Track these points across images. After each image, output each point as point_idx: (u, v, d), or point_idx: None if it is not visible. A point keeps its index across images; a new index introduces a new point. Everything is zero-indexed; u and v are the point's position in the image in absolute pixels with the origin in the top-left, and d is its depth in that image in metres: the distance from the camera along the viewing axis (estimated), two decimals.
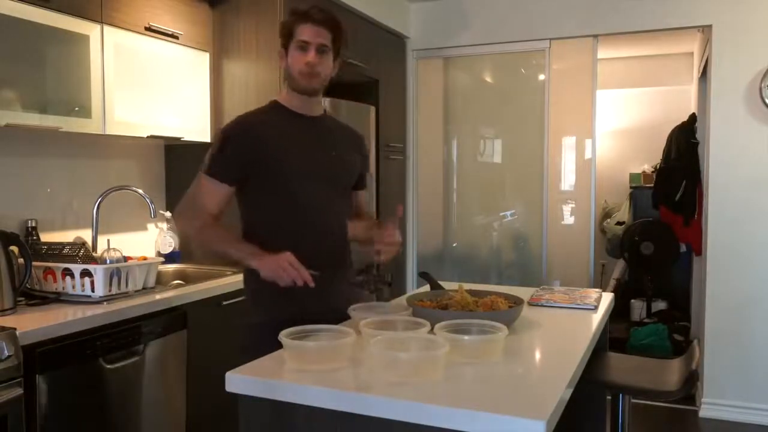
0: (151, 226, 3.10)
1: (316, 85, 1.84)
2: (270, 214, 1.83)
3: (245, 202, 1.86)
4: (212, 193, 1.80)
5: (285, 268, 1.64)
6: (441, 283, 2.12)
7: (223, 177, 1.79)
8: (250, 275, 1.84)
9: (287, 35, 1.82)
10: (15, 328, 1.76)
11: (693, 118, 4.58)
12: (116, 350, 2.09)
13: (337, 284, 1.90)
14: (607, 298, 2.24)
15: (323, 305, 1.78)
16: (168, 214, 3.12)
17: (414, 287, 4.17)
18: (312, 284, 1.65)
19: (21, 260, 2.10)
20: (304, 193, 1.83)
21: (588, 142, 4.01)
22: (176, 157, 3.18)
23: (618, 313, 4.44)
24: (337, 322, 1.69)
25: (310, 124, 1.90)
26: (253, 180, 1.81)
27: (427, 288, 2.16)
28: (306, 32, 1.79)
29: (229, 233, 1.81)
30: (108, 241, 2.58)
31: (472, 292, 1.90)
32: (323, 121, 1.95)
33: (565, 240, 4.06)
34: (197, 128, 2.96)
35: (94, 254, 2.31)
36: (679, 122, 4.69)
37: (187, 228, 1.89)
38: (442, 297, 1.92)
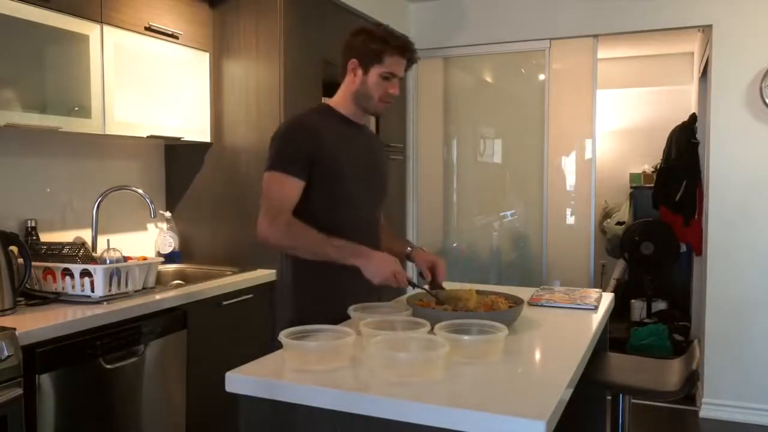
0: (151, 226, 3.10)
1: (384, 110, 1.94)
2: (321, 214, 1.84)
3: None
4: (286, 188, 1.79)
5: (394, 274, 1.71)
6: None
7: (293, 171, 1.78)
8: (302, 272, 1.90)
9: (373, 58, 1.84)
10: (15, 328, 1.76)
11: (693, 118, 4.58)
12: (116, 350, 2.09)
13: (373, 285, 1.94)
14: (607, 298, 2.23)
15: (362, 300, 1.83)
16: (168, 214, 3.12)
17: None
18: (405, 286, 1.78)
19: (21, 260, 2.10)
20: (354, 197, 1.89)
21: (588, 142, 4.01)
22: (176, 157, 3.18)
23: (618, 313, 4.43)
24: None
25: (359, 130, 1.97)
26: (310, 178, 1.82)
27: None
28: (397, 66, 1.86)
29: (317, 232, 1.75)
30: (108, 241, 2.57)
31: None
32: (366, 129, 2.03)
33: (565, 240, 4.05)
34: (197, 128, 2.96)
35: (93, 254, 2.30)
36: (679, 122, 4.69)
37: (273, 233, 1.76)
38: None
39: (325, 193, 1.84)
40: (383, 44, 1.83)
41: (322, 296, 1.89)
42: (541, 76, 4.05)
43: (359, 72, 1.87)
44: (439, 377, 1.33)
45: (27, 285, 2.13)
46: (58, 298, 2.17)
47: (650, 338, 4.65)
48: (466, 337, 1.48)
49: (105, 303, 2.14)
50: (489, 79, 4.48)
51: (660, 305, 5.21)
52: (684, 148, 4.50)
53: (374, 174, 1.99)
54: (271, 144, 1.84)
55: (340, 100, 1.94)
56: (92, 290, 2.16)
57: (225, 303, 2.58)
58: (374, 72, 1.85)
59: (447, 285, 2.02)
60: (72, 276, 2.17)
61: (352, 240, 1.82)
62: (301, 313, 1.87)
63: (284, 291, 1.99)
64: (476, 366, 1.43)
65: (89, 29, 2.35)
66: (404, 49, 1.85)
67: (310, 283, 1.90)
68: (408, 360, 1.35)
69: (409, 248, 2.07)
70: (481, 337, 1.50)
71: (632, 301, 5.28)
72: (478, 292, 1.92)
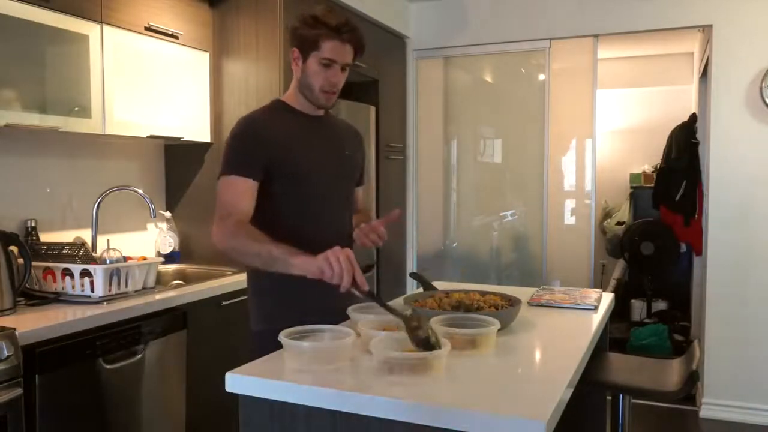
0: (150, 226, 3.10)
1: (333, 102, 1.84)
2: (281, 213, 1.79)
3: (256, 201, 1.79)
4: (239, 191, 1.72)
5: (337, 270, 1.47)
6: (440, 283, 2.12)
7: (247, 172, 1.72)
8: (254, 282, 1.85)
9: (310, 44, 1.75)
10: (15, 328, 1.76)
11: (693, 118, 4.58)
12: (116, 350, 2.09)
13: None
14: (607, 298, 2.23)
15: (326, 308, 1.72)
16: (168, 214, 3.12)
17: (414, 287, 4.17)
18: (366, 288, 1.50)
19: (20, 260, 2.10)
20: (316, 192, 1.82)
21: (588, 142, 4.01)
22: (176, 157, 3.18)
23: (618, 313, 4.44)
24: (337, 323, 1.67)
25: (316, 123, 1.89)
26: (266, 178, 1.76)
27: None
28: (333, 50, 1.74)
29: (262, 235, 1.63)
30: (108, 241, 2.57)
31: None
32: (327, 119, 1.95)
33: (565, 240, 4.05)
34: (197, 128, 2.96)
35: (93, 254, 2.30)
36: (679, 122, 4.69)
37: (218, 237, 1.67)
38: (442, 296, 1.92)
39: (286, 188, 1.78)
40: (319, 29, 1.73)
41: (286, 307, 1.80)
42: (541, 76, 4.04)
43: (300, 61, 1.79)
44: (440, 376, 1.33)
45: (27, 285, 2.13)
46: (58, 298, 2.17)
47: (650, 338, 4.65)
48: (458, 330, 1.51)
49: (105, 303, 2.14)
50: (489, 79, 4.48)
51: (660, 305, 5.21)
52: (684, 148, 4.50)
53: (338, 163, 1.89)
54: (224, 148, 1.78)
55: (290, 94, 1.87)
56: (92, 290, 2.16)
57: (225, 303, 2.58)
58: (313, 59, 1.76)
59: (445, 285, 2.02)
60: (72, 276, 2.17)
61: (321, 233, 1.77)
62: (270, 321, 1.76)
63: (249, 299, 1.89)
64: (476, 366, 1.43)
65: (89, 29, 2.35)
66: (339, 30, 1.72)
67: (273, 294, 1.80)
68: (404, 359, 1.35)
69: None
70: (474, 330, 1.52)
71: (632, 301, 5.28)
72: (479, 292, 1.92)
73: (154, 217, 2.69)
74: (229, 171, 1.73)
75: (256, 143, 1.75)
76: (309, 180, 1.81)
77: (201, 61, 2.98)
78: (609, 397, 2.16)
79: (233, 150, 1.76)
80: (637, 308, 5.25)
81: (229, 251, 1.67)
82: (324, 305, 1.71)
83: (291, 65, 1.84)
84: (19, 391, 1.73)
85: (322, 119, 1.91)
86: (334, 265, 1.46)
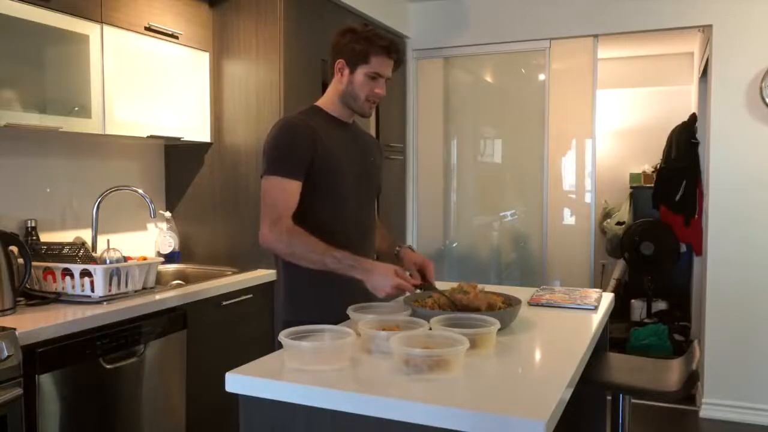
0: (150, 226, 3.10)
1: (371, 111, 1.95)
2: (314, 209, 1.83)
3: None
4: (288, 192, 1.77)
5: (398, 285, 1.68)
6: (441, 283, 2.11)
7: (293, 173, 1.78)
8: (288, 274, 1.89)
9: (360, 58, 1.85)
10: (15, 328, 1.76)
11: (693, 118, 4.58)
12: (116, 350, 2.09)
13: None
14: (607, 298, 2.23)
15: (354, 303, 1.80)
16: (168, 214, 3.12)
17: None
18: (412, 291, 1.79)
19: (20, 260, 2.10)
20: (351, 195, 1.90)
21: (588, 142, 4.01)
22: (176, 157, 3.18)
23: (618, 313, 4.43)
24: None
25: (348, 129, 1.97)
26: (309, 176, 1.81)
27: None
28: (383, 66, 1.87)
29: (318, 240, 1.73)
30: (108, 241, 2.57)
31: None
32: (355, 127, 2.02)
33: (565, 240, 4.05)
34: (197, 128, 2.96)
35: (93, 254, 2.30)
36: (679, 122, 4.69)
37: (273, 239, 1.74)
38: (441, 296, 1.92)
39: (323, 190, 1.84)
40: (369, 44, 1.84)
41: (318, 299, 1.87)
42: (541, 76, 4.04)
43: (346, 72, 1.88)
44: (440, 377, 1.33)
45: (27, 285, 2.13)
46: (58, 298, 2.17)
47: (650, 338, 4.65)
48: (458, 330, 1.49)
49: (105, 303, 2.14)
50: (489, 79, 4.48)
51: (660, 305, 5.21)
52: (684, 148, 4.50)
53: (366, 169, 1.99)
54: (266, 148, 1.82)
55: (327, 101, 1.95)
56: (92, 290, 2.16)
57: (225, 303, 2.58)
58: (360, 72, 1.86)
59: (446, 285, 2.02)
60: (72, 276, 2.17)
61: (349, 235, 1.84)
62: (297, 315, 1.85)
63: (277, 292, 1.96)
64: (475, 366, 1.43)
65: (89, 29, 2.35)
66: (390, 49, 1.86)
67: (306, 285, 1.88)
68: (429, 356, 1.34)
69: (397, 248, 2.05)
70: (474, 330, 1.51)
71: (632, 301, 5.28)
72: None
73: (154, 217, 2.69)
74: (275, 171, 1.78)
75: (300, 144, 1.81)
76: (341, 180, 1.87)
77: (201, 61, 2.98)
78: (609, 397, 2.16)
79: (278, 151, 1.81)
80: (637, 308, 5.25)
81: (286, 256, 1.78)
82: (355, 296, 1.81)
83: (335, 74, 1.91)
84: (19, 391, 1.73)
85: (352, 126, 2.00)
86: (403, 288, 1.70)
